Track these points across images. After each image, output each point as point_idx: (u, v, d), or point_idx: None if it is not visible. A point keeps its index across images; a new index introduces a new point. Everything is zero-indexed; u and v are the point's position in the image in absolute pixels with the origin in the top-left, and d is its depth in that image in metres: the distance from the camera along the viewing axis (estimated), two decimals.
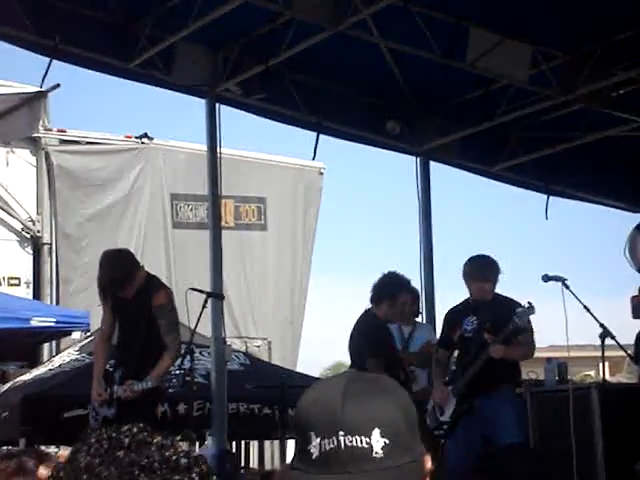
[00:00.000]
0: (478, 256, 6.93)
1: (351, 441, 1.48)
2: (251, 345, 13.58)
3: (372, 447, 1.48)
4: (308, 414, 1.52)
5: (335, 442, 1.48)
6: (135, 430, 1.58)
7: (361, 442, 1.48)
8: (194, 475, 1.55)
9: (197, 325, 6.99)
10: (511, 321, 6.49)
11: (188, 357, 6.96)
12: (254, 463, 10.54)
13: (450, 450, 6.67)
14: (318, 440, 1.49)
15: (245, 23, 7.70)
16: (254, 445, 10.80)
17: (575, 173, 9.76)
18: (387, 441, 1.48)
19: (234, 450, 9.21)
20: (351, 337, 7.30)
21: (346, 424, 1.48)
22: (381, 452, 1.48)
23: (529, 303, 6.63)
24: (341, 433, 1.48)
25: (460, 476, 6.58)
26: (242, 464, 9.65)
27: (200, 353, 8.18)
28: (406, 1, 6.91)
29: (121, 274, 6.47)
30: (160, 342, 6.37)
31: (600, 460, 6.50)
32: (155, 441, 1.57)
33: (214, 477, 1.60)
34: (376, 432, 1.48)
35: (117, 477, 1.50)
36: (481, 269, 6.80)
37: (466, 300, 6.94)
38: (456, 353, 7.04)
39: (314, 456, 1.49)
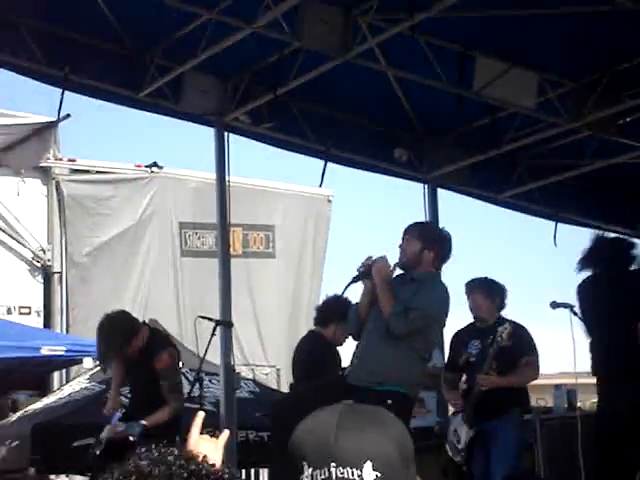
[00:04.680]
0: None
1: (342, 473, 1.47)
2: (259, 373, 13.53)
3: None
4: (302, 444, 1.52)
5: (327, 473, 1.48)
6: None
7: (352, 474, 1.47)
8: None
9: (206, 353, 6.99)
10: (494, 342, 6.37)
11: (197, 385, 6.97)
12: None
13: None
14: (310, 470, 1.49)
15: (253, 53, 7.75)
16: (264, 473, 10.74)
17: (582, 200, 9.77)
18: (379, 474, 1.47)
19: (244, 478, 9.18)
20: (296, 356, 7.32)
21: (338, 456, 1.48)
22: None
23: (510, 321, 6.54)
24: (333, 464, 1.48)
25: None
26: None
27: (210, 381, 8.18)
28: (413, 30, 6.96)
29: (115, 341, 6.60)
30: (162, 400, 6.53)
31: None
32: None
33: None
34: (368, 465, 1.47)
35: None
36: (482, 283, 6.86)
37: (472, 323, 6.92)
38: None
39: None
